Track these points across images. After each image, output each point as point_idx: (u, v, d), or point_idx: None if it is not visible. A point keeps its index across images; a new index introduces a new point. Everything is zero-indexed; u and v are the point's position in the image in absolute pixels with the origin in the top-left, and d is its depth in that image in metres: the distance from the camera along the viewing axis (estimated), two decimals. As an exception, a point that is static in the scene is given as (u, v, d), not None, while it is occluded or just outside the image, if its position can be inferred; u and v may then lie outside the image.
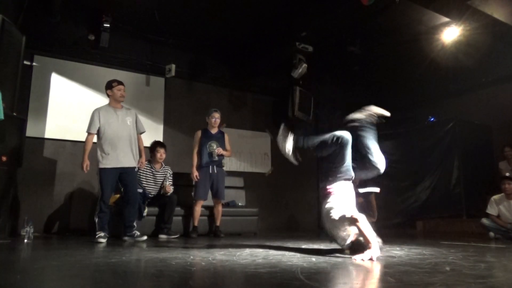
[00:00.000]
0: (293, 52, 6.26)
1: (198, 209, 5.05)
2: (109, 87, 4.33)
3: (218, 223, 5.15)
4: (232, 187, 6.12)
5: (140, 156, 4.45)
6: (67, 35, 5.80)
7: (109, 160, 4.14)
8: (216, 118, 5.21)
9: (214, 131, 5.24)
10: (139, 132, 4.48)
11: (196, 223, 5.05)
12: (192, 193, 5.27)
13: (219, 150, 5.10)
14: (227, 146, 5.30)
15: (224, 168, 5.38)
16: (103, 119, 4.21)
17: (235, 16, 5.99)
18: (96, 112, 4.25)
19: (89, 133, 4.21)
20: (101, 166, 4.14)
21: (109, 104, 4.36)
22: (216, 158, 5.08)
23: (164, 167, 5.17)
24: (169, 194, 5.01)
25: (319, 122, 8.03)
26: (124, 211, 4.32)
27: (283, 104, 7.19)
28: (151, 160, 5.09)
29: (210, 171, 5.06)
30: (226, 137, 5.35)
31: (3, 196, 4.08)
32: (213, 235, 5.16)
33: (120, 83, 4.35)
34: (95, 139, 4.27)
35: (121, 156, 4.19)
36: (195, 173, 5.02)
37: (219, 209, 5.17)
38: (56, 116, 5.65)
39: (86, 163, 4.11)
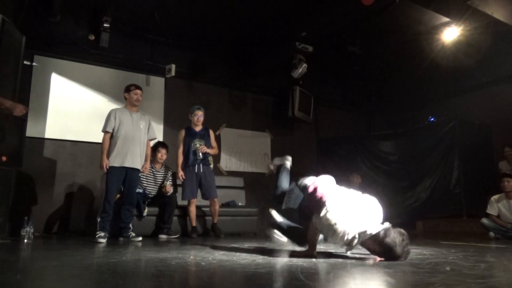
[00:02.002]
0: (293, 52, 6.26)
1: (193, 209, 5.02)
2: (126, 90, 4.53)
3: (215, 221, 5.07)
4: (232, 187, 6.12)
5: (146, 160, 4.58)
6: (67, 35, 5.80)
7: (117, 159, 4.26)
8: (199, 116, 5.14)
9: (198, 128, 5.18)
10: (149, 138, 4.64)
11: (194, 223, 5.04)
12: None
13: (203, 148, 5.03)
14: (213, 143, 5.23)
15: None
16: (118, 119, 4.36)
17: (235, 16, 6.00)
18: (112, 112, 4.40)
19: (105, 132, 4.34)
20: (109, 164, 4.24)
21: (125, 106, 4.54)
22: (201, 156, 5.01)
23: (164, 167, 5.18)
24: (169, 194, 5.02)
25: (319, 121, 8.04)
26: (121, 212, 4.38)
27: (283, 104, 7.19)
28: (152, 160, 5.09)
29: (196, 170, 5.01)
30: (211, 133, 5.28)
31: (3, 196, 4.08)
32: (212, 233, 5.13)
33: (137, 87, 4.54)
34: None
35: (129, 156, 4.32)
36: (181, 173, 4.99)
37: (216, 208, 5.07)
38: (56, 116, 5.65)
39: (105, 162, 4.23)
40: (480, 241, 4.20)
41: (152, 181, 5.05)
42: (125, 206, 4.39)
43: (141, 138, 4.46)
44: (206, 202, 5.17)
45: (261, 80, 7.42)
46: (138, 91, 4.50)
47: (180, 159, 5.07)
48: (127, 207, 4.40)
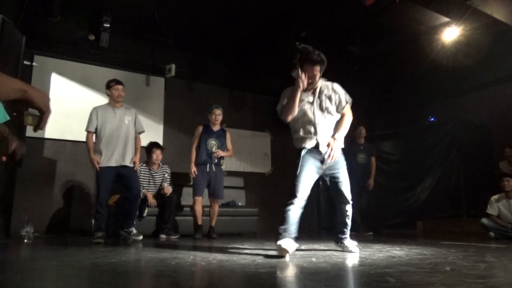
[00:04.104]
0: (293, 52, 6.25)
1: (198, 208, 4.98)
2: (107, 87, 4.37)
3: (213, 224, 5.02)
4: (232, 187, 6.12)
5: (135, 154, 4.38)
6: (67, 35, 5.80)
7: (105, 159, 4.15)
8: (217, 114, 5.13)
9: (215, 128, 5.17)
10: (138, 132, 4.47)
11: (200, 222, 4.97)
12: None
13: (219, 153, 5.01)
14: (229, 145, 5.22)
15: (224, 168, 5.33)
16: (100, 118, 4.24)
17: (235, 16, 5.99)
18: (94, 111, 4.29)
19: (88, 131, 4.25)
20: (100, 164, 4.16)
21: (108, 103, 4.39)
22: (216, 160, 5.01)
23: (162, 167, 5.15)
24: (168, 194, 5.00)
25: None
26: (126, 207, 4.32)
27: (283, 104, 7.17)
28: (148, 162, 5.07)
29: (208, 169, 4.99)
30: (228, 135, 5.26)
31: (3, 196, 4.08)
32: (206, 236, 5.05)
33: (118, 82, 4.36)
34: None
35: (117, 155, 4.19)
36: (193, 169, 4.95)
37: (215, 209, 5.04)
38: (56, 116, 5.60)
39: (96, 159, 4.11)
40: (480, 241, 4.20)
41: (151, 183, 5.05)
42: (129, 202, 4.30)
43: (128, 133, 4.30)
44: (208, 202, 5.14)
45: (261, 80, 7.42)
46: (119, 87, 4.32)
47: (194, 154, 5.03)
48: (131, 203, 4.30)
